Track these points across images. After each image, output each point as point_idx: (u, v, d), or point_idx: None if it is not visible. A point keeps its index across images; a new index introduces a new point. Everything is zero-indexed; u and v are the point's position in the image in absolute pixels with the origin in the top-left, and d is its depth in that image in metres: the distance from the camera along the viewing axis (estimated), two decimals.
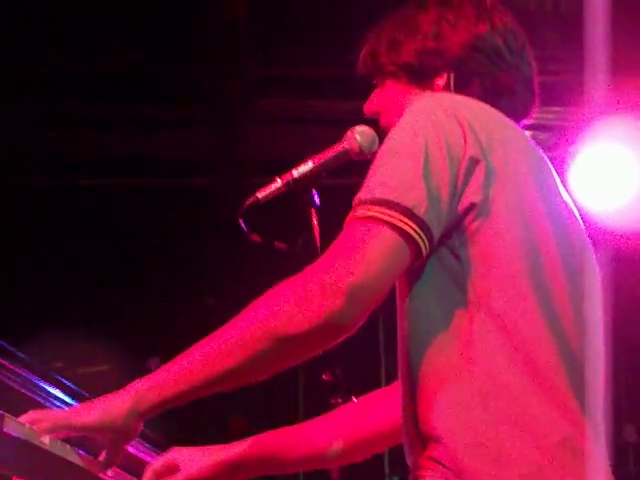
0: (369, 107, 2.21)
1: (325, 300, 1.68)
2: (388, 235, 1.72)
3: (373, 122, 2.26)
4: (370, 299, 1.72)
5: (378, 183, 1.77)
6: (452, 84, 2.06)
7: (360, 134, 2.33)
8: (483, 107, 1.94)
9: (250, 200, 2.41)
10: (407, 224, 1.72)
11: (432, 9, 2.12)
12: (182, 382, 1.74)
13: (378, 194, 1.75)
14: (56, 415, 1.79)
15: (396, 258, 1.73)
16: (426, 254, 1.76)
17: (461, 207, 1.79)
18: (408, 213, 1.72)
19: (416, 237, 1.73)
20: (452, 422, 1.73)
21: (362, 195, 1.78)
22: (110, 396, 1.77)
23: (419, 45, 2.09)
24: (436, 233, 1.76)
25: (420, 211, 1.73)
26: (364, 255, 1.70)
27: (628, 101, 5.09)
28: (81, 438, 1.78)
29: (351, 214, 1.78)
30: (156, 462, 2.13)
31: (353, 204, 1.79)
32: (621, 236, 5.17)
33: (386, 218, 1.72)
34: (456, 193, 1.79)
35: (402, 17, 2.16)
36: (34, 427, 1.69)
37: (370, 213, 1.74)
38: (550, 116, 5.40)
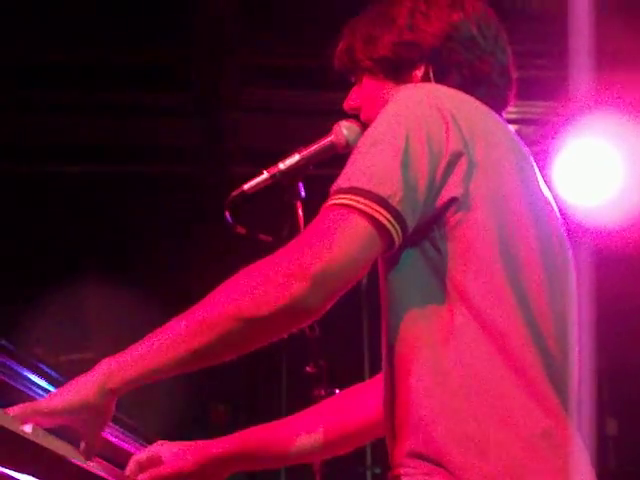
0: (348, 104, 2.20)
1: (291, 284, 1.68)
2: (359, 223, 1.72)
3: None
4: (337, 285, 1.72)
5: (355, 172, 1.77)
6: (431, 76, 2.05)
7: (347, 128, 2.33)
8: (465, 98, 1.94)
9: (236, 192, 2.42)
10: (380, 213, 1.72)
11: (405, 1, 2.10)
12: (150, 361, 1.74)
13: (354, 183, 1.75)
14: (28, 403, 1.77)
15: (366, 246, 1.73)
16: (398, 244, 1.77)
17: (441, 200, 1.79)
18: (382, 202, 1.72)
19: (389, 227, 1.73)
20: (434, 413, 1.74)
21: (339, 183, 1.78)
22: (79, 378, 1.77)
23: (395, 38, 2.07)
24: (410, 224, 1.76)
25: (395, 201, 1.73)
26: (333, 241, 1.70)
27: (612, 96, 5.10)
28: (62, 429, 1.78)
29: (327, 202, 1.78)
30: (140, 454, 2.12)
31: (330, 192, 1.79)
32: (603, 233, 5.18)
33: (359, 206, 1.72)
34: (434, 186, 1.78)
35: (376, 12, 2.15)
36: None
37: (344, 201, 1.74)
38: (534, 110, 5.41)
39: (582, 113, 5.12)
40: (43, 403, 1.76)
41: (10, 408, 1.72)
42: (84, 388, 1.74)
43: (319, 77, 5.19)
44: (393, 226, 1.73)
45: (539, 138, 5.45)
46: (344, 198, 1.74)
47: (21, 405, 1.75)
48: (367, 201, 1.72)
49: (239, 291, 1.73)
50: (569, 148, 5.40)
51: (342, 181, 1.78)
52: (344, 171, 1.80)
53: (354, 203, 1.73)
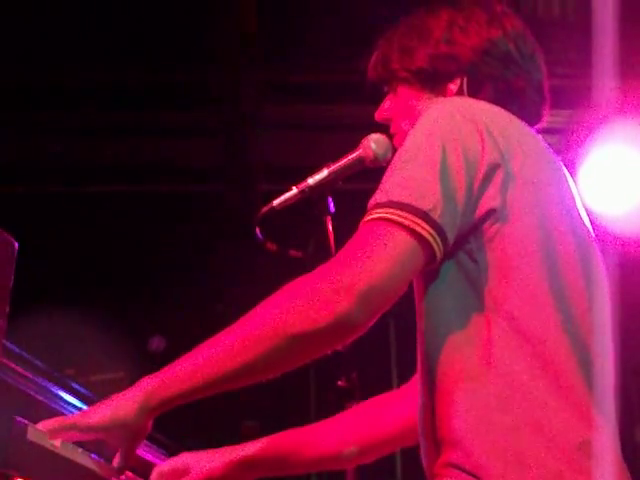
0: (380, 114, 2.22)
1: (336, 300, 1.68)
2: (402, 237, 1.72)
3: (381, 127, 2.26)
4: (382, 300, 1.72)
5: (394, 186, 1.78)
6: (465, 88, 2.06)
7: (375, 142, 2.34)
8: (500, 112, 1.95)
9: (266, 208, 2.42)
10: (422, 227, 1.72)
11: (442, 14, 2.14)
12: (192, 379, 1.73)
13: (394, 197, 1.75)
14: (63, 418, 1.77)
15: (409, 260, 1.73)
16: (440, 257, 1.77)
17: (479, 212, 1.80)
18: (424, 216, 1.73)
19: (431, 240, 1.73)
20: (471, 425, 1.73)
21: (378, 197, 1.78)
22: (119, 395, 1.76)
23: (432, 50, 2.10)
24: (450, 237, 1.76)
25: (436, 214, 1.73)
26: (377, 256, 1.70)
27: (635, 104, 5.08)
28: (95, 443, 1.78)
29: (366, 216, 1.78)
30: (163, 465, 2.14)
31: (368, 206, 1.79)
32: (630, 240, 5.16)
33: (401, 220, 1.72)
34: (472, 198, 1.79)
35: (412, 23, 2.17)
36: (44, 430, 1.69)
37: (385, 215, 1.74)
38: (559, 119, 5.39)
39: (605, 121, 5.11)
40: (80, 418, 1.76)
41: (45, 421, 1.72)
42: (123, 406, 1.74)
43: (340, 92, 5.24)
44: (435, 239, 1.73)
45: (563, 147, 5.44)
46: (385, 212, 1.74)
47: (56, 419, 1.74)
48: (408, 215, 1.73)
49: (284, 308, 1.72)
50: (593, 156, 5.39)
51: (380, 195, 1.78)
52: (381, 186, 1.80)
53: (395, 217, 1.73)
